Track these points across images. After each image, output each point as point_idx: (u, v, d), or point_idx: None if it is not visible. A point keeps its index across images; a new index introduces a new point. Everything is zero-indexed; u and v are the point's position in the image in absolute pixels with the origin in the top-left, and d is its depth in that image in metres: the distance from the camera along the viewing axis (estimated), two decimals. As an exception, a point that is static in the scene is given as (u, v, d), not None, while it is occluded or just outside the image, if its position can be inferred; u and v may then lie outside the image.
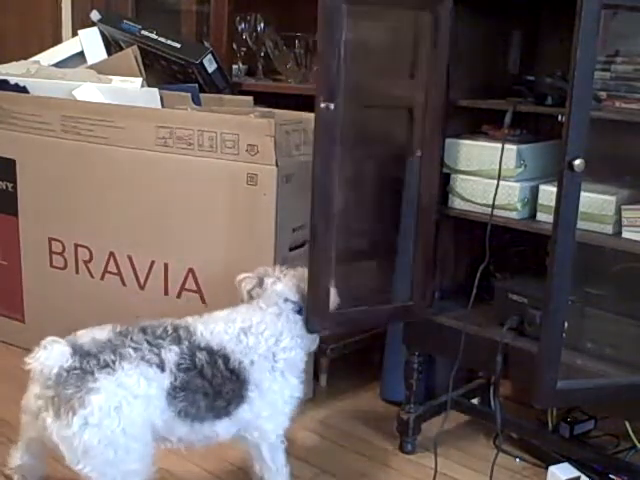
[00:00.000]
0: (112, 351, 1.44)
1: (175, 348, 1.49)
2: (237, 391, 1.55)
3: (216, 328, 1.56)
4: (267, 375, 1.59)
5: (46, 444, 1.49)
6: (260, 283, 1.67)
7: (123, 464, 1.44)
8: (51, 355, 1.40)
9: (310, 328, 1.67)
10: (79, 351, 1.43)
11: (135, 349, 1.46)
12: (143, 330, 1.51)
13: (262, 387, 1.59)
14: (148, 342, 1.48)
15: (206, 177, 1.99)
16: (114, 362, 1.42)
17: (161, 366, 1.46)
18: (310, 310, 1.66)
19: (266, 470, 1.67)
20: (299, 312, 1.66)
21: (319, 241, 1.64)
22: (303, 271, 1.68)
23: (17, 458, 1.64)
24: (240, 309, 1.64)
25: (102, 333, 1.49)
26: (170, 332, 1.51)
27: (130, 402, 1.42)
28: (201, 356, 1.51)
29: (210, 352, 1.52)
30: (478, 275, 1.72)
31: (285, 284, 1.66)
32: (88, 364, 1.41)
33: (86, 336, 1.49)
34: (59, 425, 1.40)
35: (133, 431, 1.43)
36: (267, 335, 1.59)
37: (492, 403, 1.85)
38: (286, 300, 1.65)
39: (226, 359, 1.53)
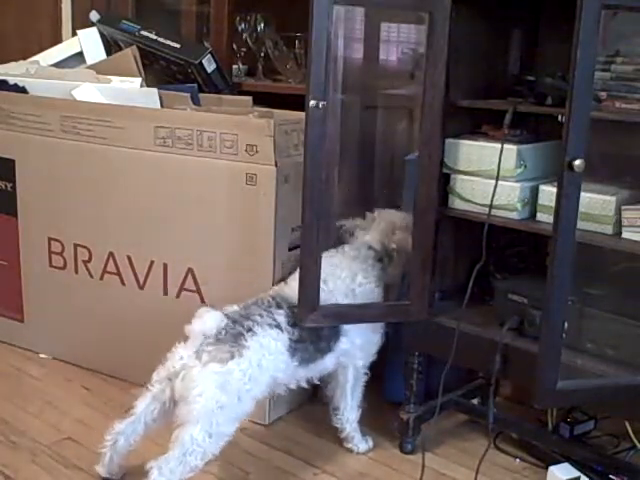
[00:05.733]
0: (248, 318, 1.69)
1: (280, 311, 1.73)
2: (332, 329, 1.80)
3: None
4: None
5: (160, 415, 1.68)
6: (352, 233, 1.96)
7: (232, 412, 1.64)
8: (210, 318, 1.65)
9: (300, 321, 1.72)
10: (230, 317, 1.68)
11: (260, 316, 1.70)
12: (254, 304, 1.74)
13: None
14: (264, 310, 1.72)
15: (205, 177, 1.99)
16: (253, 326, 1.68)
17: (279, 327, 1.71)
18: (300, 304, 1.72)
19: (342, 402, 1.93)
20: (379, 260, 1.91)
21: (309, 237, 1.68)
22: (392, 223, 1.94)
23: (120, 430, 1.71)
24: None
25: (233, 307, 1.73)
26: (271, 301, 1.75)
27: (267, 359, 1.67)
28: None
29: None
30: (474, 275, 1.72)
31: (372, 236, 1.94)
32: (239, 327, 1.66)
33: (226, 309, 1.72)
34: (213, 365, 1.60)
35: (257, 389, 1.67)
36: (344, 276, 1.84)
37: (489, 402, 1.84)
38: (369, 248, 1.91)
39: None
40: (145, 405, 1.69)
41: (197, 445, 1.59)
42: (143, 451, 1.73)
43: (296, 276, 1.79)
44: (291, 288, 1.79)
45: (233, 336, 1.64)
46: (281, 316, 1.72)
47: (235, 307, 1.73)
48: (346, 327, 1.83)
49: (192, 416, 1.59)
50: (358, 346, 1.88)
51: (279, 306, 1.74)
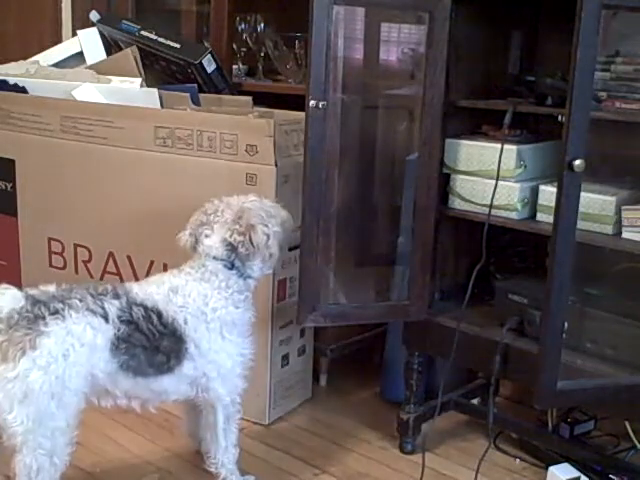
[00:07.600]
0: (60, 301, 1.48)
1: (115, 302, 1.53)
2: (175, 347, 1.57)
3: (148, 289, 1.61)
4: (205, 334, 1.61)
5: None
6: (195, 240, 1.66)
7: (55, 418, 1.44)
8: (4, 298, 1.43)
9: (300, 321, 1.71)
10: (30, 297, 1.46)
11: (80, 300, 1.50)
12: (86, 288, 1.55)
13: (201, 346, 1.60)
14: (92, 295, 1.52)
15: (205, 177, 1.99)
16: (63, 310, 1.46)
17: (105, 317, 1.50)
18: (299, 303, 1.70)
19: (215, 444, 1.70)
20: (231, 268, 1.63)
21: (309, 237, 1.68)
22: (241, 211, 1.63)
23: None
24: (171, 273, 1.67)
25: (48, 287, 1.53)
26: (110, 290, 1.56)
27: (77, 350, 1.45)
28: (137, 311, 1.54)
29: (145, 308, 1.56)
30: (474, 275, 1.72)
31: (213, 240, 1.63)
32: (39, 309, 1.44)
33: (34, 289, 1.51)
34: (4, 368, 1.40)
35: (73, 383, 1.46)
36: (194, 296, 1.60)
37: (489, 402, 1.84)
38: (214, 258, 1.63)
39: (159, 315, 1.57)
40: None
41: (37, 470, 1.43)
42: (139, 449, 1.73)
43: (150, 279, 1.66)
44: (142, 288, 1.60)
45: (28, 320, 1.42)
46: (114, 307, 1.52)
47: (50, 287, 1.53)
48: (192, 352, 1.59)
49: (16, 445, 1.42)
50: (215, 380, 1.64)
51: (117, 297, 1.54)
